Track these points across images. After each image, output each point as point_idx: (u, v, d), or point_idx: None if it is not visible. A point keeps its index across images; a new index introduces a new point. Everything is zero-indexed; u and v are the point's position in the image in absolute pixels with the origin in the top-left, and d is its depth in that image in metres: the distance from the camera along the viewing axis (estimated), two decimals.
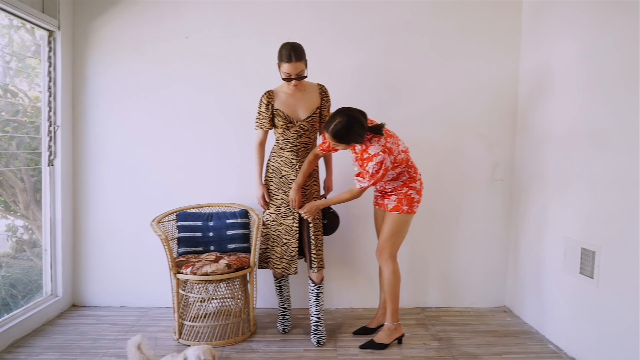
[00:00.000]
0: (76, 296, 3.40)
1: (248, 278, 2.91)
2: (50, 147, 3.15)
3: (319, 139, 2.86)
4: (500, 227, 3.40)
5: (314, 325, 2.81)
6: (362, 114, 2.46)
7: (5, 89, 2.95)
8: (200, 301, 2.94)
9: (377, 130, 2.47)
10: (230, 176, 3.33)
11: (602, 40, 2.42)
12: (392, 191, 2.66)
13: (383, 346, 2.71)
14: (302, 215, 2.70)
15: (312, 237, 2.72)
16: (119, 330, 2.96)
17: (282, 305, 2.99)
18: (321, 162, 3.00)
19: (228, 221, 3.05)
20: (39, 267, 3.20)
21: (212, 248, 3.02)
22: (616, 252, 2.30)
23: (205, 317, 3.05)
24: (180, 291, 2.81)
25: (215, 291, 2.85)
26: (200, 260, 2.78)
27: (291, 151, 2.75)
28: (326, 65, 3.22)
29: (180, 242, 3.01)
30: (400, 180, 2.64)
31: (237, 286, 2.89)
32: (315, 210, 2.69)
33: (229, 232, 3.03)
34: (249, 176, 3.04)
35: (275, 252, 2.82)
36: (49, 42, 3.13)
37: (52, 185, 3.17)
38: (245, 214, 3.10)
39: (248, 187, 3.08)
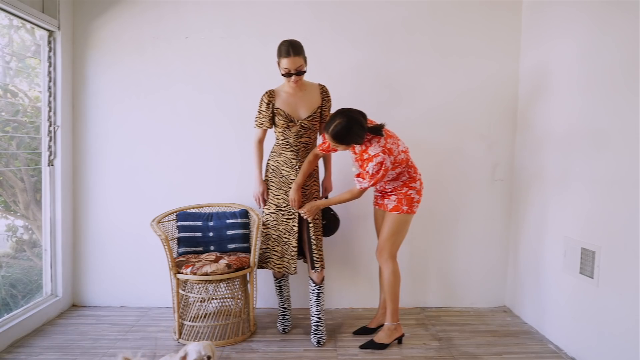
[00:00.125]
0: (76, 296, 3.40)
1: (248, 278, 2.91)
2: (50, 147, 3.15)
3: (319, 139, 2.86)
4: (500, 227, 3.40)
5: (315, 325, 2.81)
6: (362, 114, 2.46)
7: (5, 89, 2.95)
8: (200, 301, 2.95)
9: (377, 130, 2.47)
10: (230, 176, 3.33)
11: (602, 39, 2.42)
12: (392, 191, 2.66)
13: (383, 346, 2.71)
14: (301, 215, 2.70)
15: (313, 237, 2.72)
16: (119, 330, 2.96)
17: (282, 305, 2.99)
18: (320, 162, 2.99)
19: (228, 221, 3.05)
20: (39, 267, 3.20)
21: (212, 248, 3.02)
22: (616, 252, 2.30)
23: (205, 317, 3.05)
24: (180, 291, 2.81)
25: (215, 291, 2.85)
26: (200, 260, 2.78)
27: (291, 151, 2.75)
28: (326, 65, 3.22)
29: (180, 242, 3.01)
30: (400, 180, 2.64)
31: (237, 286, 2.89)
32: (315, 210, 2.69)
33: (229, 232, 3.03)
34: (249, 176, 3.04)
35: (276, 251, 2.82)
36: (49, 42, 3.13)
37: (52, 185, 3.18)
38: (245, 214, 3.10)
39: (248, 187, 3.08)
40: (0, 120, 2.89)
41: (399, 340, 2.78)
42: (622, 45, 2.28)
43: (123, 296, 3.39)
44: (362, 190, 2.58)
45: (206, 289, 2.83)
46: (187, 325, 2.89)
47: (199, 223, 3.05)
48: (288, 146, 2.75)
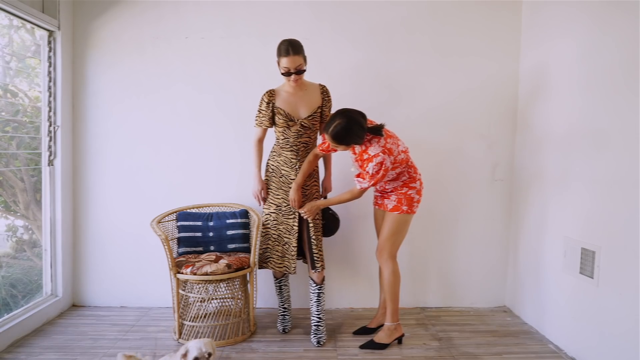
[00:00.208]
0: (76, 296, 3.40)
1: (248, 278, 2.91)
2: (50, 147, 3.15)
3: (319, 139, 2.86)
4: (500, 227, 3.40)
5: (315, 325, 2.81)
6: (362, 115, 2.46)
7: (5, 89, 2.95)
8: (200, 301, 2.95)
9: (377, 131, 2.47)
10: (230, 176, 3.33)
11: (602, 39, 2.42)
12: (392, 191, 2.66)
13: (383, 346, 2.71)
14: (302, 214, 2.70)
15: (313, 237, 2.72)
16: (119, 330, 2.96)
17: (282, 305, 2.99)
18: (321, 163, 2.99)
19: (228, 221, 3.05)
20: (39, 267, 3.20)
21: (212, 248, 3.02)
22: (616, 252, 2.30)
23: (205, 317, 3.05)
24: (180, 291, 2.81)
25: (215, 291, 2.85)
26: (200, 260, 2.78)
27: (291, 150, 2.75)
28: (326, 65, 3.22)
29: (180, 242, 3.01)
30: (400, 180, 2.64)
31: (237, 286, 2.89)
32: (315, 209, 2.69)
33: (229, 232, 3.03)
34: (249, 176, 3.04)
35: (277, 251, 2.82)
36: (49, 42, 3.13)
37: (52, 185, 3.18)
38: (245, 214, 3.10)
39: (248, 187, 3.08)
40: (0, 120, 2.89)
41: (399, 340, 2.78)
42: (622, 45, 2.28)
43: (123, 296, 3.39)
44: (363, 191, 2.58)
45: (206, 289, 2.83)
46: (187, 325, 2.89)
47: (199, 223, 3.05)
48: (288, 146, 2.75)
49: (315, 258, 2.72)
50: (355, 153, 2.60)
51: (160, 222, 2.91)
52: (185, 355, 2.04)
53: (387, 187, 2.67)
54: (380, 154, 2.44)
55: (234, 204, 3.21)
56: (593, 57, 2.49)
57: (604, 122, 2.40)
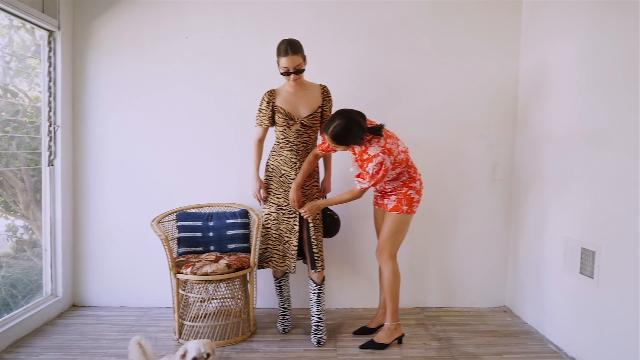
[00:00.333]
0: (76, 296, 3.40)
1: (248, 278, 2.91)
2: (50, 147, 3.15)
3: (319, 139, 2.86)
4: (500, 227, 3.40)
5: (315, 325, 2.81)
6: (361, 115, 2.46)
7: (5, 89, 2.95)
8: (200, 301, 2.95)
9: (377, 131, 2.47)
10: (230, 176, 3.33)
11: (602, 39, 2.42)
12: (391, 191, 2.66)
13: (383, 346, 2.71)
14: (302, 214, 2.70)
15: (313, 237, 2.72)
16: (119, 330, 2.96)
17: (282, 305, 2.99)
18: (321, 163, 2.99)
19: (228, 221, 3.05)
20: (39, 267, 3.20)
21: (212, 248, 3.02)
22: (616, 252, 2.30)
23: (205, 317, 3.05)
24: (180, 291, 2.81)
25: (215, 291, 2.85)
26: (200, 260, 2.78)
27: (291, 150, 2.75)
28: (326, 65, 3.22)
29: (180, 242, 3.01)
30: (400, 180, 2.64)
31: (237, 286, 2.89)
32: (315, 209, 2.69)
33: (229, 232, 3.03)
34: (249, 176, 3.04)
35: (277, 250, 2.82)
36: (49, 42, 3.13)
37: (52, 185, 3.18)
38: (245, 214, 3.10)
39: (248, 187, 3.08)
40: (0, 120, 2.89)
41: (399, 340, 2.78)
42: (622, 45, 2.28)
43: (123, 296, 3.39)
44: (363, 191, 2.58)
45: (206, 289, 2.83)
46: (187, 325, 2.89)
47: (199, 223, 3.05)
48: (288, 145, 2.75)
49: (316, 258, 2.72)
50: (355, 153, 2.60)
51: (160, 222, 2.91)
52: (184, 355, 2.04)
53: (387, 187, 2.67)
54: (380, 154, 2.45)
55: (234, 204, 3.21)
56: (593, 57, 2.49)
57: (604, 122, 2.40)
